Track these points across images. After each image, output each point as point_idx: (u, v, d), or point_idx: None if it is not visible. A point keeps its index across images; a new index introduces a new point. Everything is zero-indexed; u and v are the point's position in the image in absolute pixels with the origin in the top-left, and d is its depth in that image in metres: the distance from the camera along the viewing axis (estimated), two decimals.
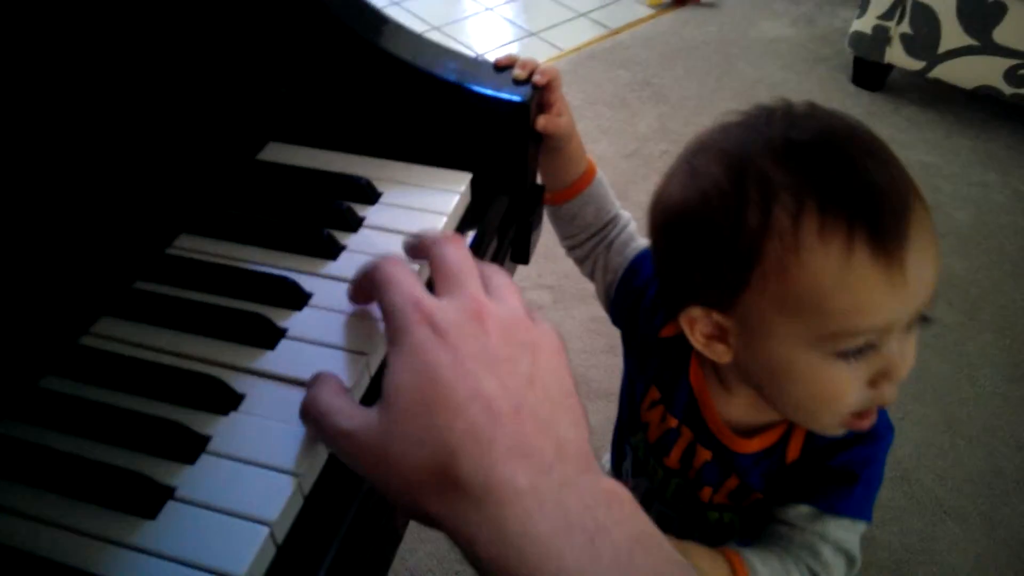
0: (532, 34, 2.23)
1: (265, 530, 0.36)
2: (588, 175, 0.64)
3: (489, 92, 0.57)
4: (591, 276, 0.66)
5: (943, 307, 1.40)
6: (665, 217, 0.50)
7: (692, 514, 0.60)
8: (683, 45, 2.13)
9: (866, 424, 0.47)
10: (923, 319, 0.44)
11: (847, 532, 0.51)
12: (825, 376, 0.44)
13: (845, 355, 0.43)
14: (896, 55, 1.79)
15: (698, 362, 0.56)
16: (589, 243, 0.64)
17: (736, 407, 0.55)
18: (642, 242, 0.64)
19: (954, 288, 1.43)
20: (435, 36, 2.15)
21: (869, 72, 1.91)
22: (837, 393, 0.45)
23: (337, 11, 0.56)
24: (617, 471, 0.70)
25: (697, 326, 0.48)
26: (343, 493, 0.41)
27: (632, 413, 0.63)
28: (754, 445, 0.54)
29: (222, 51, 0.55)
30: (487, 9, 2.36)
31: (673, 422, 0.58)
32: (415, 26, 2.14)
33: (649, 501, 0.63)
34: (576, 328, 1.34)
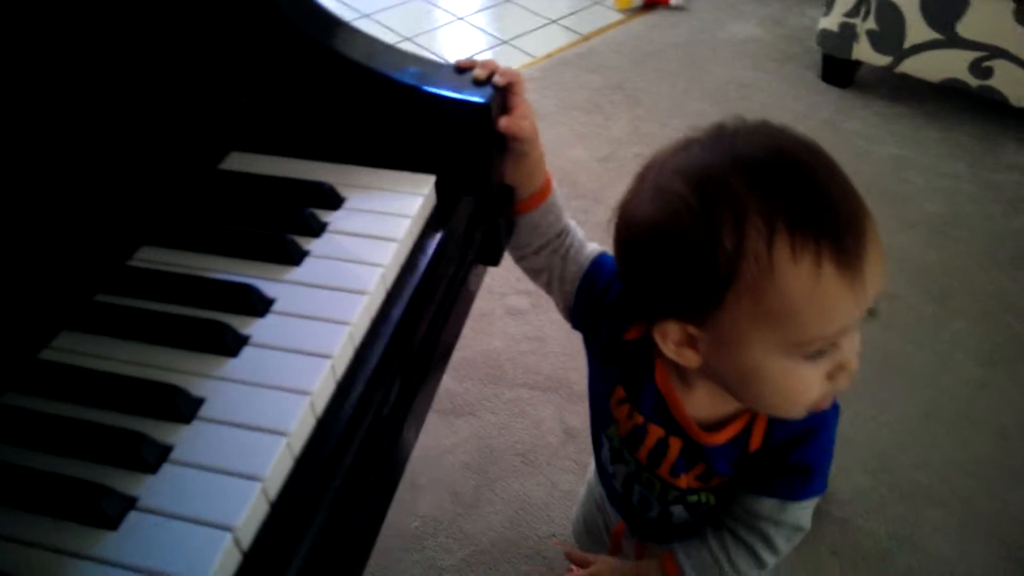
0: (504, 42, 2.24)
1: (227, 535, 0.36)
2: (548, 183, 0.65)
3: (449, 94, 0.57)
4: (547, 286, 0.66)
5: (917, 296, 1.41)
6: (634, 234, 0.51)
7: (667, 497, 0.62)
8: (654, 49, 2.15)
9: (825, 405, 0.51)
10: (868, 312, 0.48)
11: (804, 511, 0.56)
12: (793, 377, 0.48)
13: (811, 357, 0.47)
14: (863, 51, 1.81)
15: (662, 363, 0.58)
16: (543, 253, 0.65)
17: (697, 400, 0.57)
18: (592, 247, 0.65)
19: (927, 278, 1.45)
20: (407, 47, 2.16)
21: (838, 69, 1.93)
22: (803, 390, 0.49)
23: (293, 17, 0.56)
24: (598, 460, 0.71)
25: (669, 336, 0.51)
26: (311, 498, 0.41)
27: (602, 408, 0.65)
28: (720, 438, 0.56)
29: (178, 61, 0.55)
30: (458, 19, 2.37)
31: (639, 419, 0.60)
32: (387, 37, 2.14)
33: (630, 485, 0.65)
34: (555, 331, 1.34)
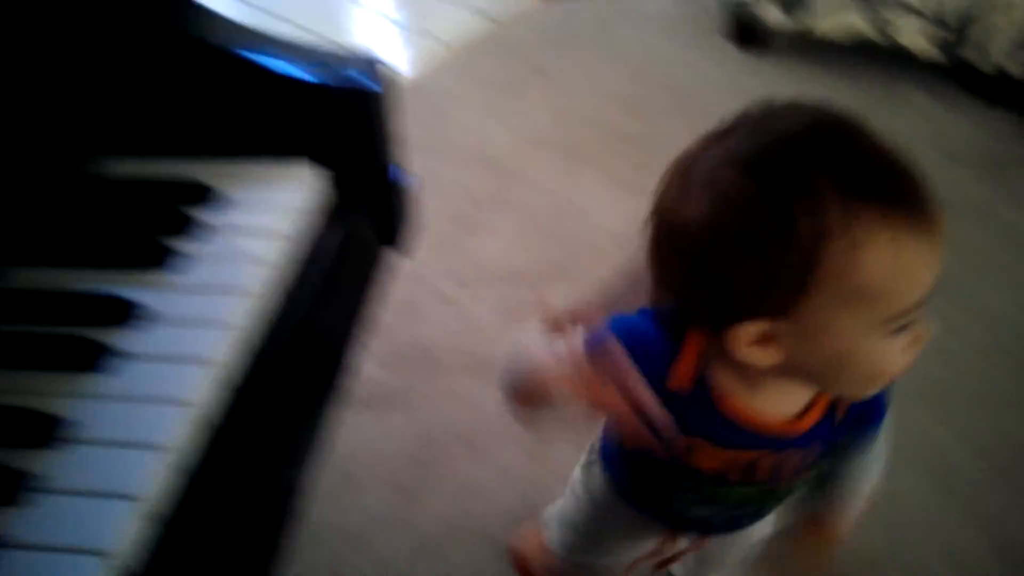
0: (417, 31, 2.20)
1: (102, 561, 0.34)
2: None
3: (322, 80, 0.55)
4: None
5: None
6: (686, 238, 0.47)
7: (767, 500, 0.63)
8: (571, 31, 2.14)
9: (900, 378, 0.51)
10: None
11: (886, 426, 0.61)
12: (883, 354, 0.48)
13: (897, 331, 0.47)
14: (771, 15, 1.84)
15: (722, 387, 0.53)
16: None
17: (764, 399, 0.54)
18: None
19: None
20: (308, 38, 2.09)
21: (749, 35, 1.96)
22: (891, 366, 0.49)
23: (160, 7, 0.53)
24: (667, 515, 0.67)
25: (742, 339, 0.47)
26: (202, 513, 0.39)
27: (673, 471, 0.59)
28: (806, 423, 0.55)
29: (28, 57, 0.51)
30: (358, 6, 2.28)
31: (750, 455, 0.57)
32: (281, 28, 2.06)
33: (720, 516, 0.64)
34: (487, 313, 1.33)
